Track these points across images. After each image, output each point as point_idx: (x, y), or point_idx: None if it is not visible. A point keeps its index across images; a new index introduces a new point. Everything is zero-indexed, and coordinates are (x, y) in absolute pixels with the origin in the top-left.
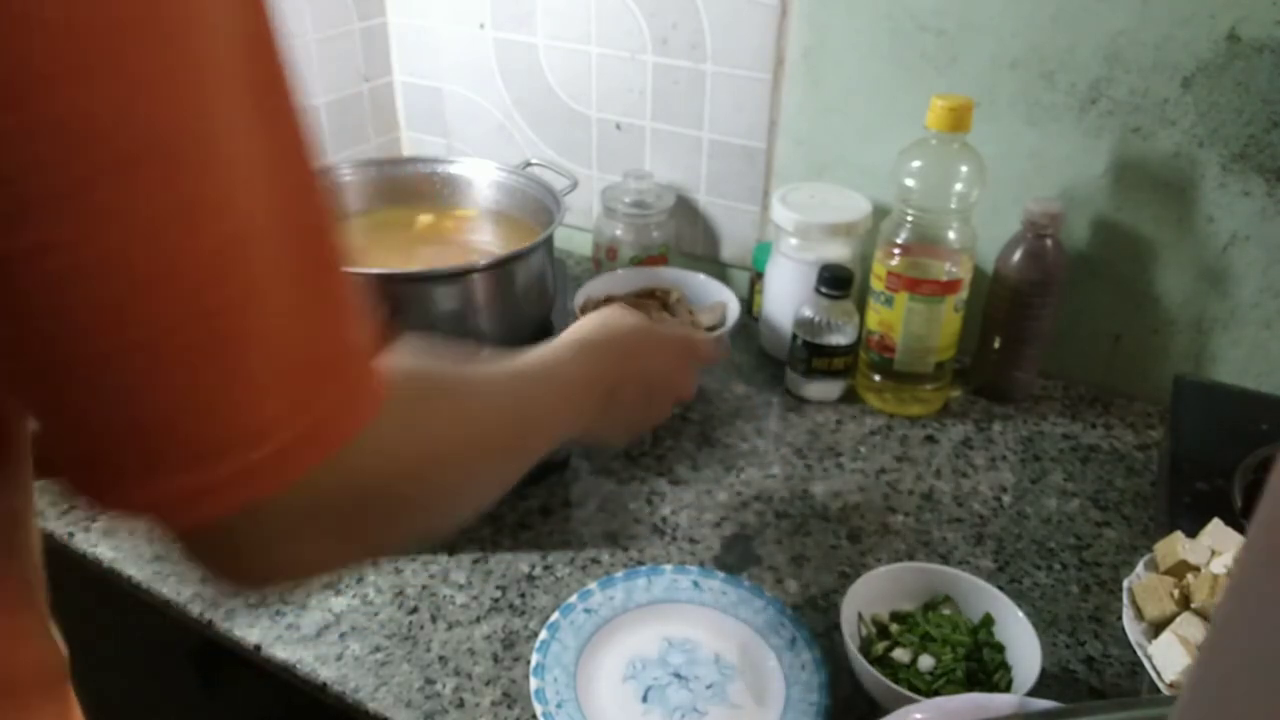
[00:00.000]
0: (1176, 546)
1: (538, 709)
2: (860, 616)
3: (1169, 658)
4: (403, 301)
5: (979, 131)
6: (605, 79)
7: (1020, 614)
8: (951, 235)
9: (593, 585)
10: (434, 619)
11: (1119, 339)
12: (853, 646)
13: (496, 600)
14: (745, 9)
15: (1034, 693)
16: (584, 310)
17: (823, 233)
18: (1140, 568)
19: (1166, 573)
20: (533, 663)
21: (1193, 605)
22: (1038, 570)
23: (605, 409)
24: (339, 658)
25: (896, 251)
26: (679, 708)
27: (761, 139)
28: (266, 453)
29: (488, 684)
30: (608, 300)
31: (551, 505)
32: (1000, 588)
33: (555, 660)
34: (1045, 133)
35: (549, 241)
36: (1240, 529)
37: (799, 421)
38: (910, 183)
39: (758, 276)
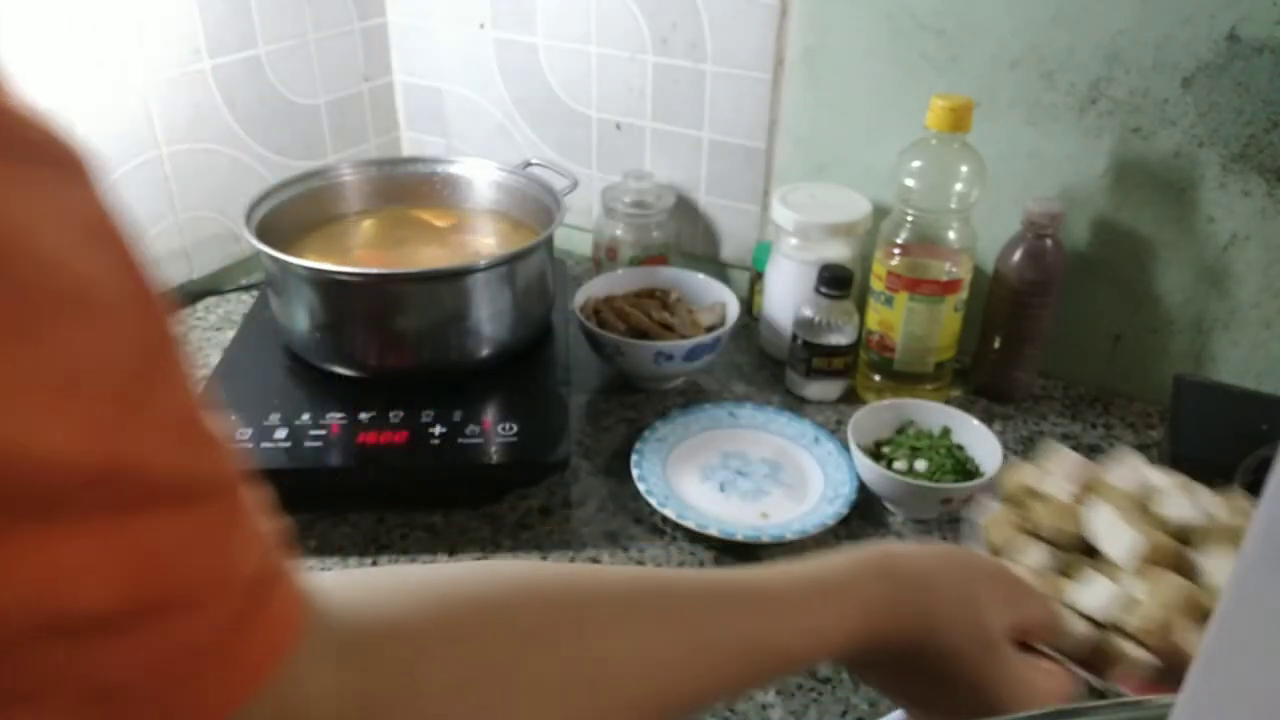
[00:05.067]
0: (1020, 475)
1: (654, 505)
2: (858, 448)
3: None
4: (403, 301)
5: (979, 131)
6: (605, 79)
7: (973, 420)
8: (951, 235)
9: (655, 421)
10: None
11: (1119, 339)
12: (870, 462)
13: None
14: (745, 9)
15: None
16: (584, 310)
17: (823, 233)
18: (990, 500)
19: (1009, 501)
20: (636, 475)
21: (1036, 530)
22: None
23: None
24: None
25: (896, 251)
26: (749, 491)
27: (761, 139)
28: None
29: None
30: (608, 300)
31: (551, 505)
32: None
33: (650, 472)
34: (1045, 133)
35: (549, 241)
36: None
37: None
38: (910, 183)
39: (758, 276)
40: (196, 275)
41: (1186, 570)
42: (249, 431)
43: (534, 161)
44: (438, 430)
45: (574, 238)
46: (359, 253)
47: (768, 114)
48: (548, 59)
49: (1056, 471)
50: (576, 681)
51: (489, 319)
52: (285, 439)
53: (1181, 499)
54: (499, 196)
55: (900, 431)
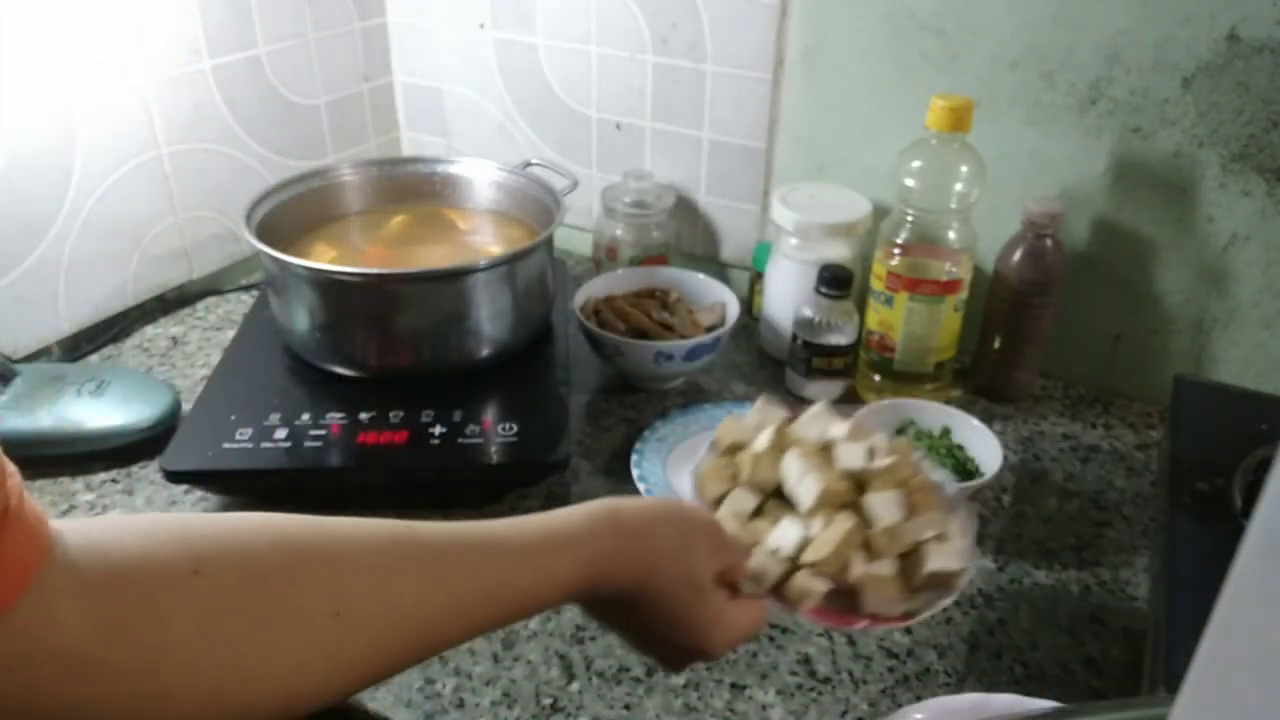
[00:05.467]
0: (730, 429)
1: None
2: None
3: (729, 526)
4: (403, 301)
5: (979, 131)
6: (605, 79)
7: (973, 420)
8: (951, 235)
9: (655, 421)
10: None
11: (1119, 339)
12: None
13: None
14: (745, 9)
15: (1034, 690)
16: (584, 310)
17: (823, 233)
18: (704, 451)
19: (724, 454)
20: (636, 475)
21: (740, 480)
22: (1038, 570)
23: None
24: None
25: (896, 251)
26: None
27: (761, 139)
28: None
29: (488, 684)
30: (608, 300)
31: (551, 505)
32: (1000, 588)
33: (650, 472)
34: (1045, 133)
35: (549, 241)
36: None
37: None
38: (910, 183)
39: (758, 276)
40: (196, 275)
41: (858, 510)
42: (249, 431)
43: (534, 161)
44: (438, 430)
45: (574, 238)
46: (369, 248)
47: (768, 114)
48: (548, 59)
49: (762, 425)
50: (319, 616)
51: (489, 319)
52: (285, 439)
53: (854, 447)
54: (499, 196)
55: (900, 431)
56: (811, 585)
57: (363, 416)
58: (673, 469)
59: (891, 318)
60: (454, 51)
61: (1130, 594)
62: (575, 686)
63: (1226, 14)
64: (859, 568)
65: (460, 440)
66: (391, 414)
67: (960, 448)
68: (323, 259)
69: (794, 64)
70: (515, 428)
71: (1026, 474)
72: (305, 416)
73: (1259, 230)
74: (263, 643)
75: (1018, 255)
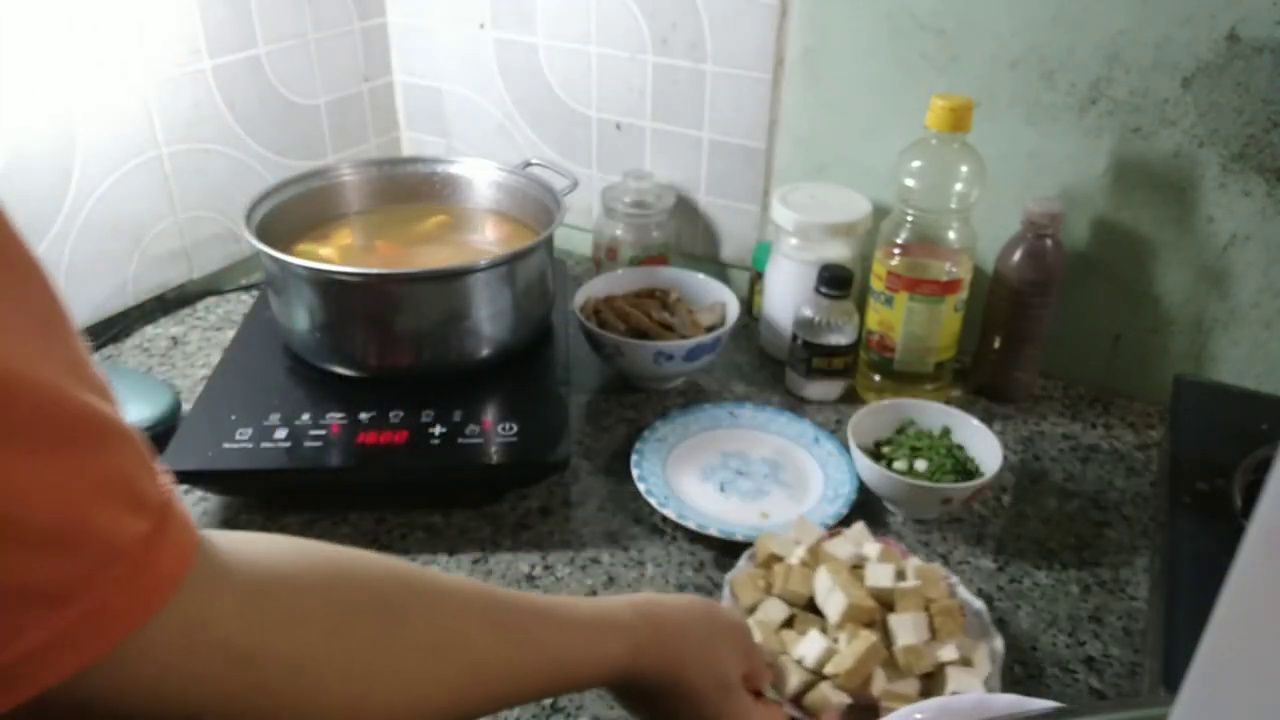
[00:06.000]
0: (768, 542)
1: (654, 505)
2: (858, 448)
3: (758, 632)
4: (403, 301)
5: (979, 131)
6: (605, 79)
7: (973, 420)
8: (951, 235)
9: (655, 421)
10: None
11: (1119, 339)
12: (870, 463)
13: None
14: (745, 9)
15: (1034, 691)
16: (584, 310)
17: (823, 233)
18: (742, 560)
19: (760, 564)
20: (636, 475)
21: (774, 590)
22: (1038, 570)
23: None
24: None
25: (896, 251)
26: (749, 491)
27: (761, 139)
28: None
29: None
30: (608, 300)
31: (551, 505)
32: (1000, 587)
33: (650, 472)
34: (1045, 133)
35: (549, 241)
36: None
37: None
38: (910, 183)
39: (758, 276)
40: (196, 275)
41: (884, 628)
42: (249, 431)
43: (534, 161)
44: (438, 430)
45: (574, 238)
46: (381, 245)
47: (768, 114)
48: (548, 59)
49: (799, 540)
50: (420, 650)
51: (489, 319)
52: (285, 439)
53: (882, 568)
54: (499, 196)
55: (900, 431)
56: (831, 697)
57: (363, 416)
58: (672, 469)
59: (891, 318)
60: (454, 51)
61: (1130, 594)
62: None
63: (1226, 14)
64: (880, 684)
65: (460, 440)
66: (391, 414)
67: (960, 448)
68: (323, 259)
69: (794, 64)
70: (515, 428)
71: (1026, 474)
72: (305, 416)
73: (1259, 230)
74: (379, 661)
75: (1018, 255)
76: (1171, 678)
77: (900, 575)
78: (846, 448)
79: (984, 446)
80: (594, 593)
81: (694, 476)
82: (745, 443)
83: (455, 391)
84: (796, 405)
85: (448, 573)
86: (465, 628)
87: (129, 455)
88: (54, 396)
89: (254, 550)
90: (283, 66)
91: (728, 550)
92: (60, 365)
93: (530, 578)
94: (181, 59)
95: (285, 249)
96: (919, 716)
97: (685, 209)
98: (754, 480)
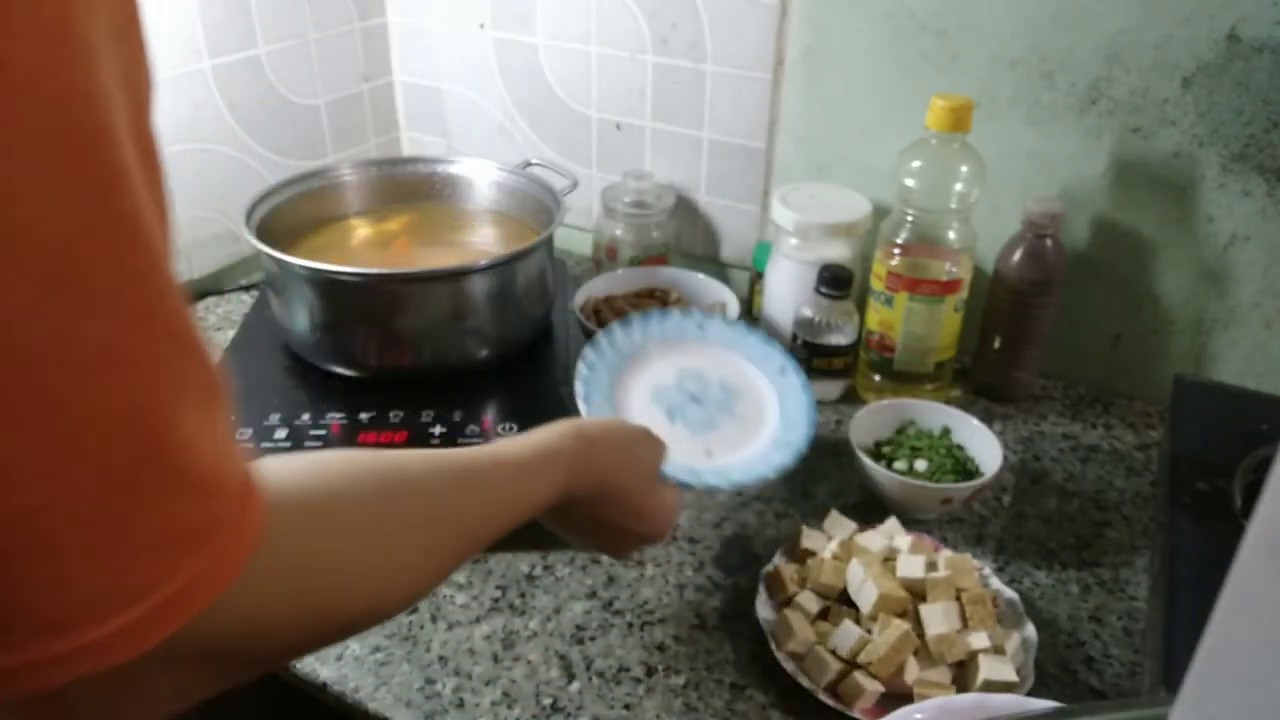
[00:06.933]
0: (803, 538)
1: None
2: (859, 448)
3: (793, 624)
4: (403, 301)
5: (979, 131)
6: (605, 79)
7: (973, 420)
8: (951, 235)
9: (613, 325)
10: (434, 619)
11: (1119, 339)
12: (871, 463)
13: (496, 600)
14: (745, 9)
15: (1034, 690)
16: (584, 310)
17: (823, 233)
18: (777, 556)
19: (795, 559)
20: (579, 393)
21: (808, 584)
22: (1038, 570)
23: (576, 497)
24: (338, 657)
25: (896, 251)
26: (698, 422)
27: (761, 139)
28: (123, 623)
29: (488, 684)
30: (608, 300)
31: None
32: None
33: (595, 389)
34: (1045, 133)
35: (549, 241)
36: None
37: None
38: (910, 183)
39: (758, 276)
40: (196, 275)
41: (916, 618)
42: (249, 431)
43: (534, 161)
44: (438, 430)
45: (574, 238)
46: (358, 254)
47: (768, 114)
48: (548, 59)
49: (833, 536)
50: (425, 522)
51: (489, 319)
52: (285, 439)
53: (913, 559)
54: (499, 196)
55: (900, 431)
56: (864, 685)
57: (363, 416)
58: (623, 385)
59: (891, 318)
60: (454, 51)
61: (1130, 594)
62: (575, 686)
63: (1226, 14)
64: (913, 673)
65: (460, 440)
66: (391, 414)
67: (960, 448)
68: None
69: (794, 64)
70: (515, 428)
71: (1026, 474)
72: (305, 416)
73: (1259, 230)
74: (395, 547)
75: (1018, 255)
76: (1171, 678)
77: (931, 566)
78: (812, 389)
79: (984, 446)
80: (594, 593)
81: (643, 395)
82: (706, 360)
83: (455, 391)
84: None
85: (416, 451)
86: (451, 500)
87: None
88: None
89: (286, 475)
90: (282, 66)
91: (728, 548)
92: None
93: (530, 578)
94: (181, 59)
95: (285, 249)
96: (919, 716)
97: (685, 209)
98: (705, 409)
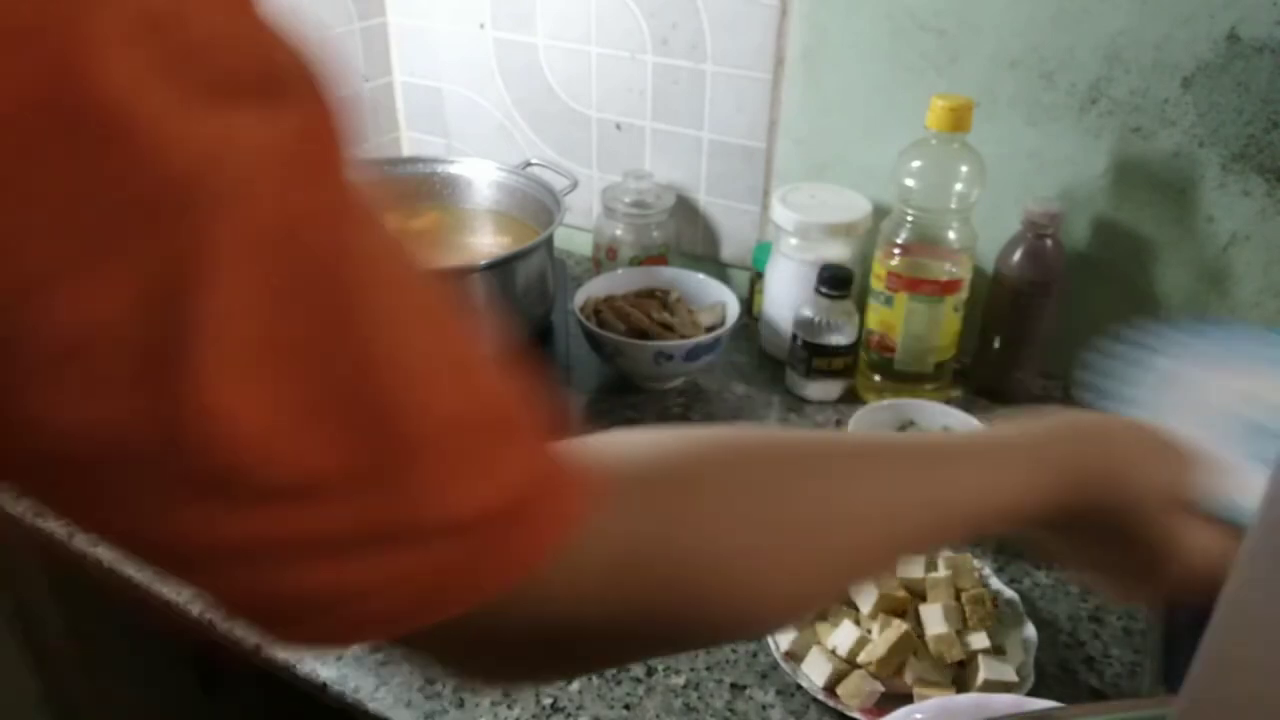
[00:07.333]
0: None
1: None
2: None
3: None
4: None
5: (979, 131)
6: (605, 79)
7: (973, 421)
8: (951, 235)
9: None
10: None
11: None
12: None
13: None
14: (745, 9)
15: (1034, 690)
16: (584, 310)
17: (823, 233)
18: None
19: None
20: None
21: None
22: (1038, 570)
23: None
24: (339, 657)
25: (896, 251)
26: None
27: (761, 139)
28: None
29: None
30: (608, 300)
31: None
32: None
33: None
34: (1045, 133)
35: (549, 241)
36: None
37: (799, 421)
38: (910, 183)
39: (758, 276)
40: None
41: (916, 618)
42: None
43: (534, 161)
44: None
45: (574, 238)
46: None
47: (768, 114)
48: (548, 59)
49: None
50: (823, 522)
51: (489, 319)
52: None
53: (913, 558)
54: (499, 196)
55: (900, 431)
56: (864, 685)
57: None
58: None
59: (891, 318)
60: (454, 51)
61: None
62: (575, 686)
63: (1226, 14)
64: (913, 673)
65: None
66: None
67: None
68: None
69: (794, 64)
70: None
71: None
72: None
73: (1259, 230)
74: (779, 548)
75: (1018, 255)
76: (1171, 678)
77: (931, 566)
78: None
79: None
80: None
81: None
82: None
83: None
84: (797, 405)
85: (813, 431)
86: (863, 490)
87: None
88: None
89: (628, 452)
90: None
91: None
92: None
93: None
94: None
95: None
96: (919, 716)
97: (685, 209)
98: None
